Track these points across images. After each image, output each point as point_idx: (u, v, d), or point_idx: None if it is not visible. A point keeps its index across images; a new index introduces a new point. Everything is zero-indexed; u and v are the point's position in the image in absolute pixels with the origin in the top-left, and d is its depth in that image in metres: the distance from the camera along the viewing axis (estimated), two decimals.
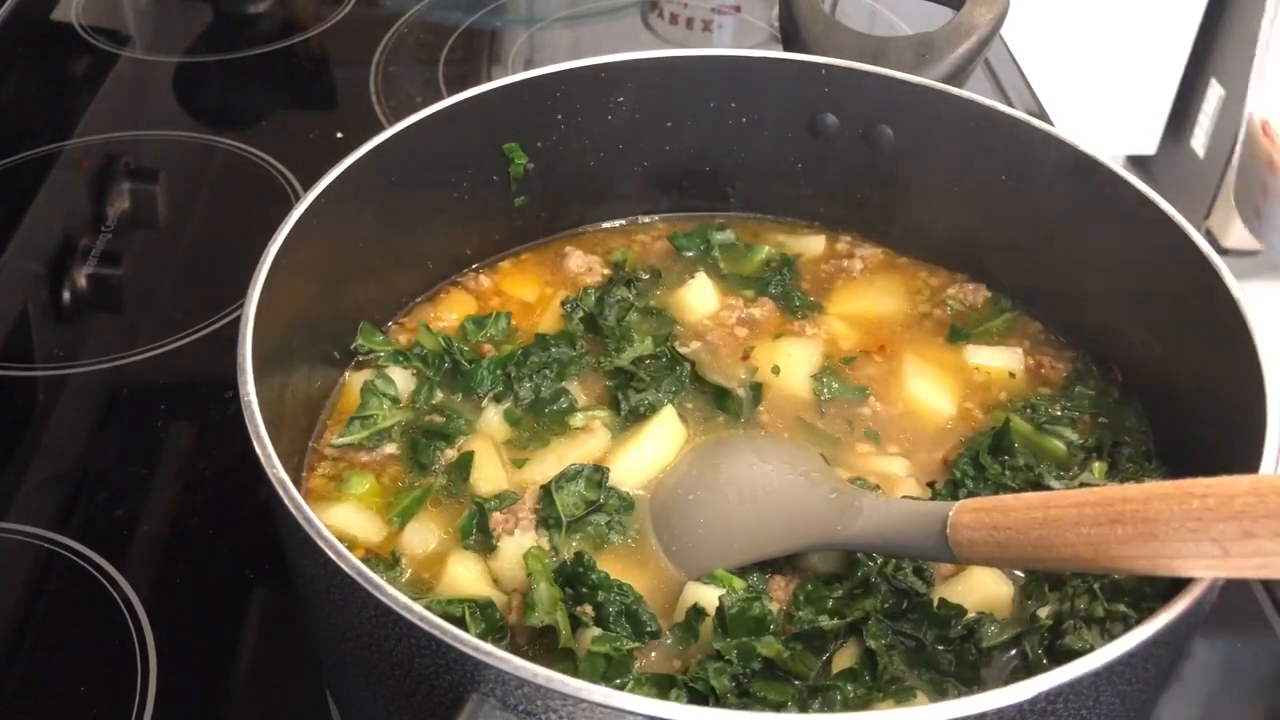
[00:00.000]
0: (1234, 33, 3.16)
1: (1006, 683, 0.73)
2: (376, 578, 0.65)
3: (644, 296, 1.11)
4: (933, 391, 1.03)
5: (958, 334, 1.08)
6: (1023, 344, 1.08)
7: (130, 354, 1.24)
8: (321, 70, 1.77)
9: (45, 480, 1.12)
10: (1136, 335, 1.00)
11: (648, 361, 1.02)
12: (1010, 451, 0.95)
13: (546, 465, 0.95)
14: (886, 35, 1.16)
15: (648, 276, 1.14)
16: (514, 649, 0.83)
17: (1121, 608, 0.81)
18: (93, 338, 1.29)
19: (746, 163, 1.17)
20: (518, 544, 0.88)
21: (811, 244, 1.18)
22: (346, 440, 0.97)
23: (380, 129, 0.98)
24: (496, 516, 0.90)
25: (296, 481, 0.91)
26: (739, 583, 0.85)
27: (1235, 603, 1.02)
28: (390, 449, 0.98)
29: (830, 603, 0.85)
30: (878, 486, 0.93)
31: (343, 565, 0.66)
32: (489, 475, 0.95)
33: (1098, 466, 0.95)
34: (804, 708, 0.78)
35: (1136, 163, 3.45)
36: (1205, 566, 0.65)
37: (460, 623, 0.82)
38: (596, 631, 0.81)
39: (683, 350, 1.04)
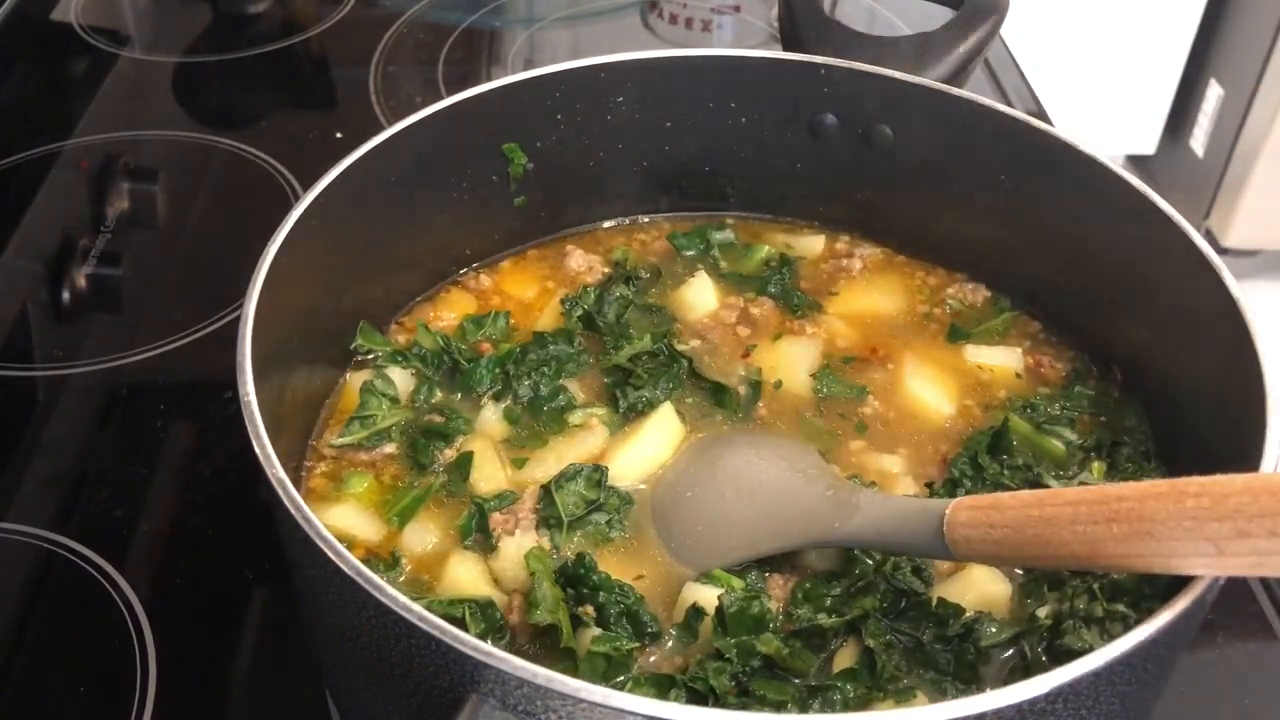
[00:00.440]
0: (1234, 32, 3.16)
1: (1006, 682, 0.73)
2: (376, 578, 0.65)
3: (643, 294, 1.11)
4: (931, 390, 1.03)
5: (957, 333, 1.08)
6: (1023, 344, 1.08)
7: (130, 354, 1.24)
8: (321, 70, 1.77)
9: (45, 480, 1.12)
10: (1136, 335, 1.00)
11: (645, 358, 1.03)
12: (1009, 451, 0.95)
13: (546, 465, 0.95)
14: (886, 35, 1.16)
15: (648, 275, 1.14)
16: (516, 649, 0.83)
17: (1121, 608, 0.81)
18: (92, 338, 1.29)
19: (746, 163, 1.17)
20: (518, 544, 0.88)
21: (811, 244, 1.18)
22: (346, 440, 0.97)
23: (380, 129, 0.98)
24: (496, 517, 0.90)
25: (296, 482, 0.91)
26: (738, 581, 0.86)
27: (1235, 603, 1.02)
28: (390, 449, 0.98)
29: (828, 601, 0.85)
30: (874, 483, 0.93)
31: (342, 565, 0.66)
32: (488, 475, 0.95)
33: (1096, 466, 0.95)
34: (804, 708, 0.78)
35: (1136, 162, 3.45)
36: (1202, 565, 0.65)
37: (460, 623, 0.82)
38: (597, 631, 0.81)
39: (681, 347, 1.04)
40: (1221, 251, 3.15)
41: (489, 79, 1.06)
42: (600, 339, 1.05)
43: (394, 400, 1.00)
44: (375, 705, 0.78)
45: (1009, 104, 1.47)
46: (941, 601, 0.83)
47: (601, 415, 0.99)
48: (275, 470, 0.72)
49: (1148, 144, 3.41)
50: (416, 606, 0.64)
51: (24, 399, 1.21)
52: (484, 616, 0.83)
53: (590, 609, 0.82)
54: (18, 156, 1.53)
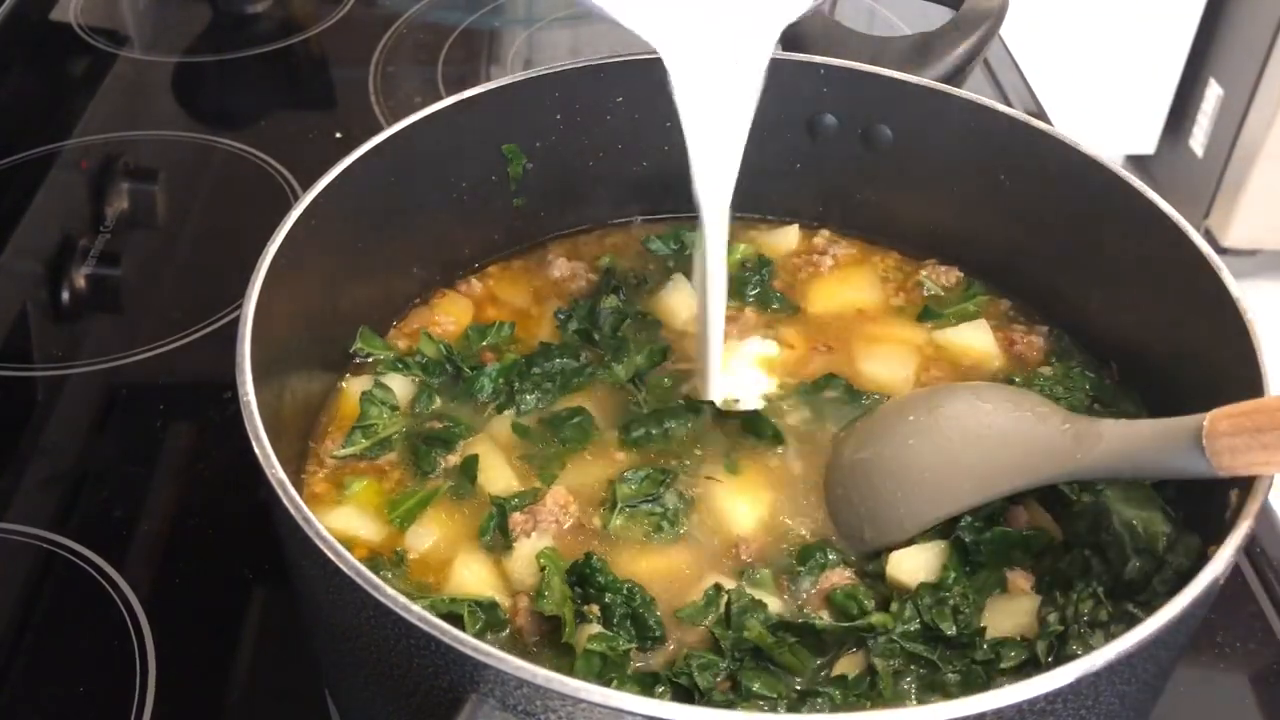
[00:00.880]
0: (1233, 32, 3.16)
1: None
2: (375, 578, 0.65)
3: (632, 302, 1.10)
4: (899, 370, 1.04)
5: (928, 314, 1.09)
6: (1017, 334, 1.07)
7: (129, 354, 1.24)
8: (320, 70, 1.77)
9: (44, 480, 1.12)
10: (1135, 334, 1.00)
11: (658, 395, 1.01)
12: None
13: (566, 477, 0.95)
14: (885, 35, 1.16)
15: (635, 282, 1.13)
16: (521, 647, 0.83)
17: (1129, 607, 0.81)
18: (91, 338, 1.29)
19: (745, 162, 1.16)
20: (533, 546, 0.88)
21: (785, 238, 1.17)
22: (349, 451, 0.96)
23: (379, 129, 0.98)
24: (516, 517, 0.90)
25: (296, 483, 0.91)
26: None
27: (1235, 603, 1.02)
28: (391, 456, 0.97)
29: (844, 604, 0.84)
30: None
31: (341, 565, 0.66)
32: (494, 477, 0.94)
33: None
34: (793, 708, 0.78)
35: (1136, 162, 3.45)
36: None
37: (460, 623, 0.82)
38: (595, 629, 0.81)
39: (683, 382, 1.02)
40: (1221, 251, 3.15)
41: (488, 79, 1.06)
42: (599, 352, 1.05)
43: (394, 408, 0.99)
44: (375, 705, 0.78)
45: (1009, 104, 1.47)
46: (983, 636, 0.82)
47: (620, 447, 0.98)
48: (275, 470, 0.72)
49: (1147, 144, 3.41)
50: (416, 607, 0.64)
51: (23, 399, 1.21)
52: (485, 616, 0.83)
53: (595, 608, 0.83)
54: (17, 156, 1.53)
